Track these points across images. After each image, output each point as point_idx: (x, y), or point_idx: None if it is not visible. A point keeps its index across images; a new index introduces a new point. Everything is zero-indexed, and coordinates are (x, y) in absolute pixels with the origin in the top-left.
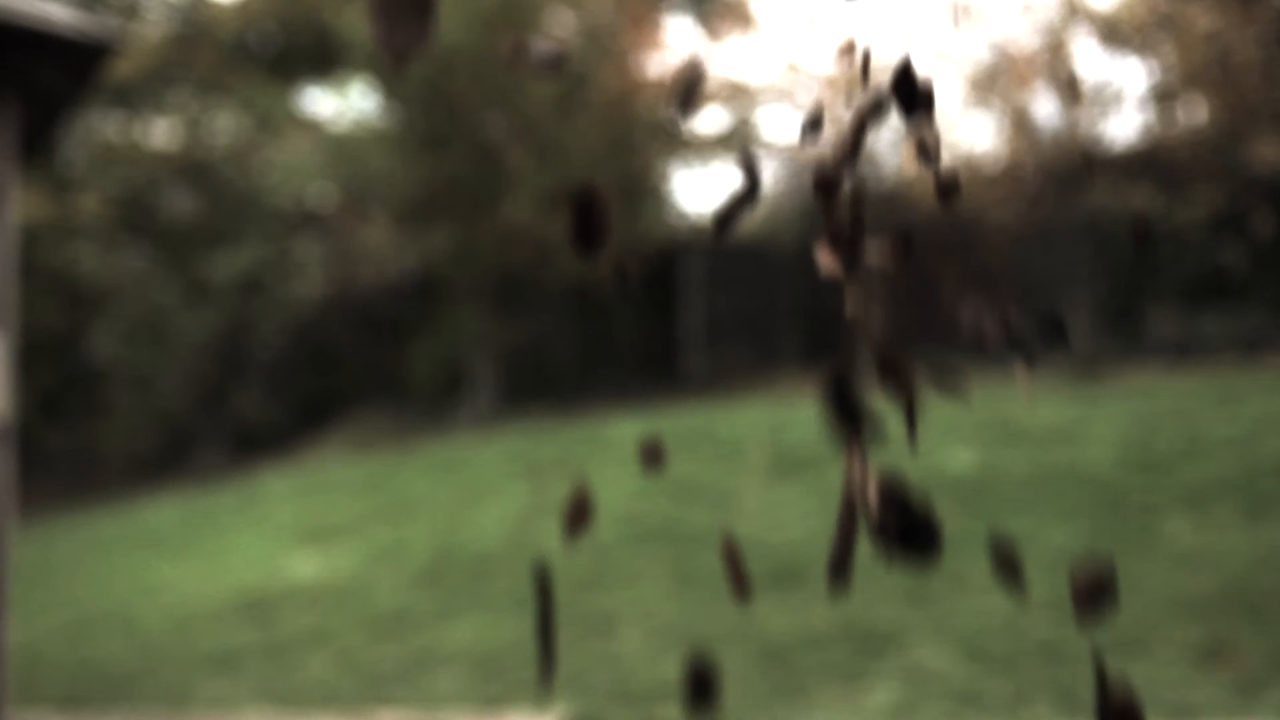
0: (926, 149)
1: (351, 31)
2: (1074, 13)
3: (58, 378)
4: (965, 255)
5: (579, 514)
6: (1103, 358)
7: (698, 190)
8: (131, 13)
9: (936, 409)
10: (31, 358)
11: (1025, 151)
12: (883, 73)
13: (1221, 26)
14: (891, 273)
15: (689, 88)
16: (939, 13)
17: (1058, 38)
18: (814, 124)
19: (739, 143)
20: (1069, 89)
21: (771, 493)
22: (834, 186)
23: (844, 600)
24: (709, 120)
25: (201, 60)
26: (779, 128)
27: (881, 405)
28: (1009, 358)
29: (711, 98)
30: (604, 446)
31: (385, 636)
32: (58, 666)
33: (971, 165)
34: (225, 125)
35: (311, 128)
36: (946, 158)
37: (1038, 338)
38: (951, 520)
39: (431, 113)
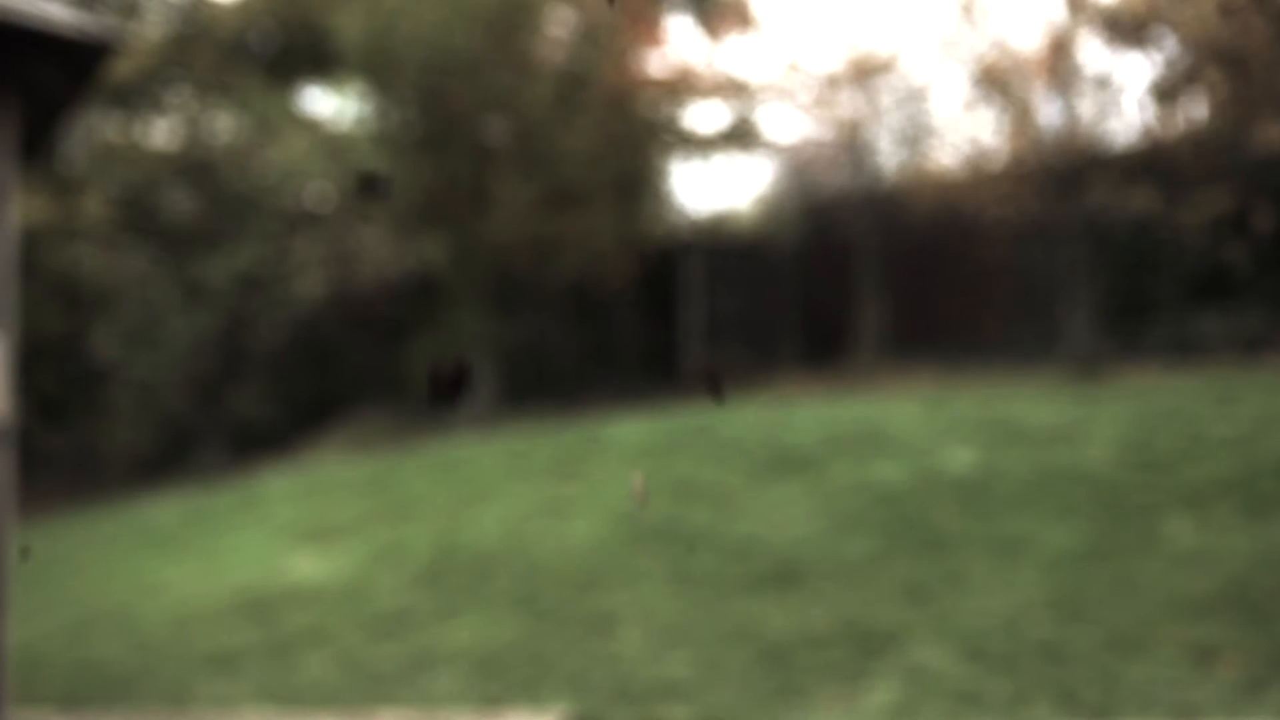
0: None
1: (343, 34)
2: (1079, 8)
3: (58, 378)
4: (965, 254)
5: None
6: (1103, 358)
7: (698, 188)
8: (131, 13)
9: (936, 409)
10: (32, 359)
11: (1027, 149)
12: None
13: (1239, 5)
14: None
15: None
16: (944, 9)
17: (1062, 34)
18: None
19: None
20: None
21: (771, 493)
22: None
23: (843, 602)
24: (709, 118)
25: (201, 60)
26: (779, 126)
27: (881, 409)
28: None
29: (711, 95)
30: (604, 446)
31: (385, 636)
32: (58, 666)
33: (974, 162)
34: (225, 125)
35: (310, 127)
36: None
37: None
38: (951, 520)
39: (429, 115)
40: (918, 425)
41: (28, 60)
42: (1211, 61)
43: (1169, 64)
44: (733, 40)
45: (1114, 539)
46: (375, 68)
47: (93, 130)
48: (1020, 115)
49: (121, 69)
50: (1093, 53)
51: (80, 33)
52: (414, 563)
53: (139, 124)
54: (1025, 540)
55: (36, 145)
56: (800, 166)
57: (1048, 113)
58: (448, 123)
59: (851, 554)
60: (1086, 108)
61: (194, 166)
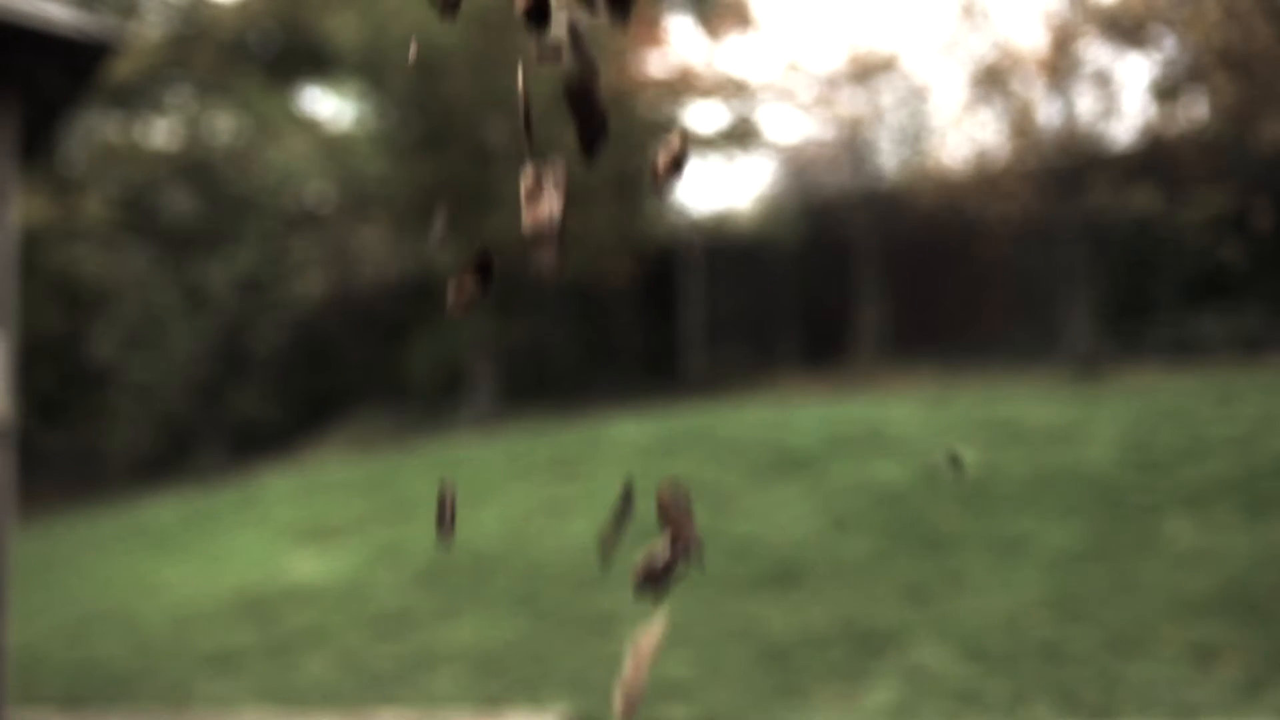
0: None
1: (338, 36)
2: (1080, 7)
3: (58, 378)
4: (965, 254)
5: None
6: (1103, 358)
7: (698, 188)
8: (131, 13)
9: (936, 409)
10: (32, 359)
11: (1027, 149)
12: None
13: (1243, 9)
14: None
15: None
16: (944, 9)
17: (1063, 33)
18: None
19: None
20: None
21: (771, 493)
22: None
23: (843, 602)
24: (709, 118)
25: (201, 60)
26: (779, 126)
27: (886, 410)
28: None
29: (711, 94)
30: (604, 446)
31: (385, 636)
32: (58, 666)
33: (974, 162)
34: (225, 125)
35: (310, 128)
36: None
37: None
38: (951, 520)
39: (426, 115)
40: (918, 425)
41: (28, 60)
42: (1215, 63)
43: (1169, 64)
44: (733, 40)
45: (1114, 539)
46: (370, 69)
47: (93, 130)
48: (1021, 115)
49: (121, 69)
50: (1093, 52)
51: (80, 33)
52: (414, 563)
53: (139, 124)
54: (1025, 540)
55: (36, 145)
56: (800, 166)
57: (1048, 112)
58: (446, 123)
59: (851, 554)
60: (1086, 107)
61: (194, 167)
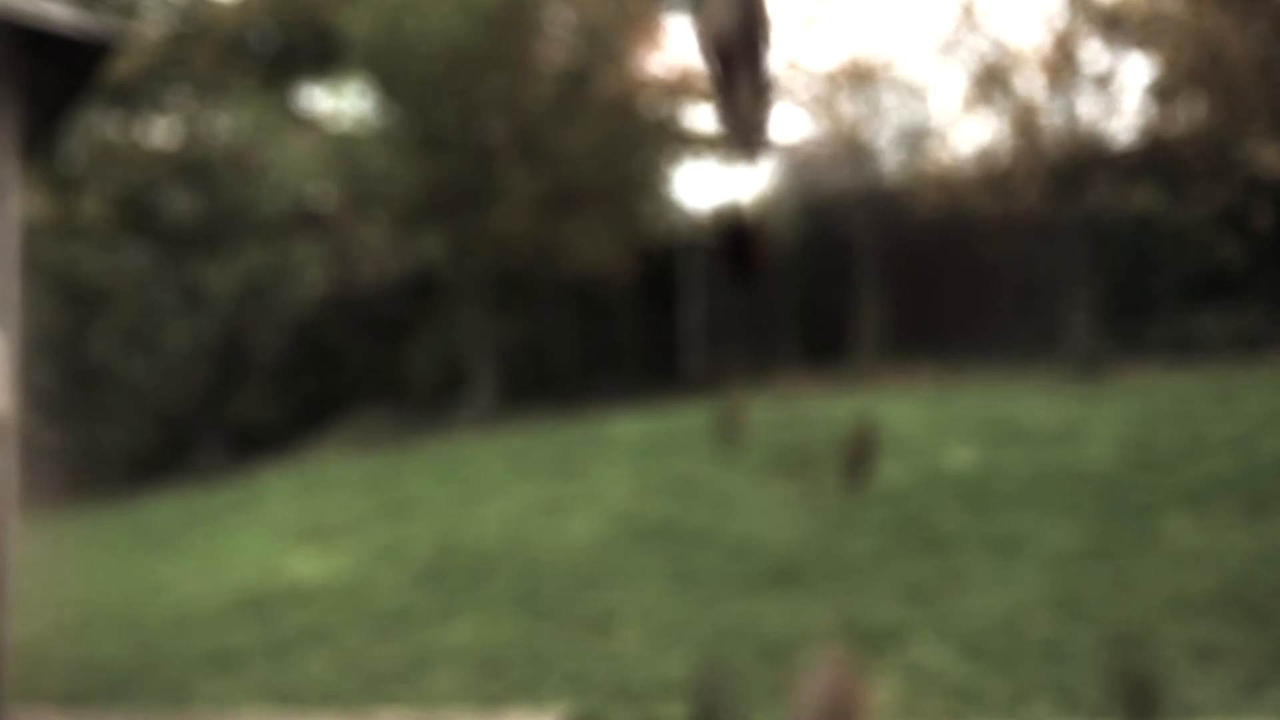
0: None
1: (350, 29)
2: (1081, 8)
3: (58, 377)
4: (965, 253)
5: None
6: (1103, 357)
7: (698, 188)
8: (131, 12)
9: (936, 408)
10: (32, 357)
11: (1028, 148)
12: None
13: (1217, 25)
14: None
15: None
16: (944, 9)
17: (1064, 33)
18: None
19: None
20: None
21: (771, 492)
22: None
23: (844, 601)
24: (708, 118)
25: (201, 60)
26: (779, 126)
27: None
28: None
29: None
30: (604, 446)
31: (385, 636)
32: (58, 665)
33: (974, 161)
34: (225, 125)
35: (311, 127)
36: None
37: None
38: (951, 520)
39: (430, 112)
40: (918, 424)
41: (28, 60)
42: (1194, 76)
43: (1161, 66)
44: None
45: (1114, 538)
46: (381, 63)
47: (92, 129)
48: (1023, 114)
49: (121, 68)
50: (1093, 53)
51: (80, 32)
52: (414, 562)
53: (139, 123)
54: (1025, 539)
55: (37, 144)
56: (800, 166)
57: (1048, 111)
58: (451, 120)
59: (851, 554)
60: (1087, 107)
61: (193, 166)
